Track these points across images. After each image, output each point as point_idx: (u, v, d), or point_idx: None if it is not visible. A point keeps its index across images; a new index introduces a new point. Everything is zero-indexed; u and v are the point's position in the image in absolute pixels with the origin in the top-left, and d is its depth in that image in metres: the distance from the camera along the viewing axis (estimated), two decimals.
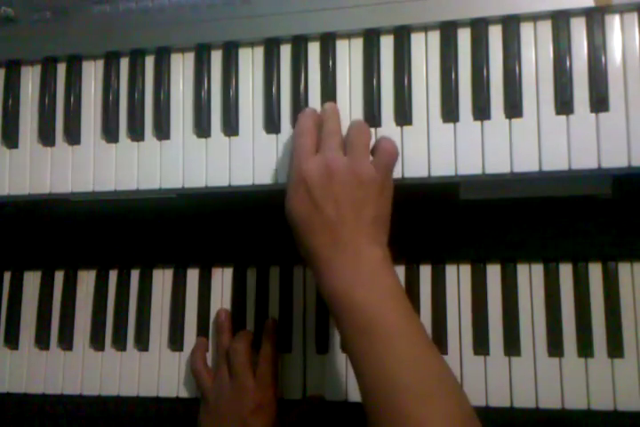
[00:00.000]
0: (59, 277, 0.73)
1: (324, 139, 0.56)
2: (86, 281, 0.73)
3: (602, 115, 0.55)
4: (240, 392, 0.62)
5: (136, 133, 0.64)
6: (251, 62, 0.63)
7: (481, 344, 0.63)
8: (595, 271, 0.63)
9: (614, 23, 0.56)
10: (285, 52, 0.62)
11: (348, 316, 0.50)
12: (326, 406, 0.64)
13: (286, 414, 0.64)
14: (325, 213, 0.52)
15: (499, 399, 0.62)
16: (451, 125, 0.58)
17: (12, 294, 0.74)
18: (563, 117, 0.56)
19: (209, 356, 0.68)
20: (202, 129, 0.63)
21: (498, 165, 0.56)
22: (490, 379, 0.62)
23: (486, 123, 0.57)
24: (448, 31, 0.58)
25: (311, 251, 0.53)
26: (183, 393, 0.68)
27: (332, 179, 0.53)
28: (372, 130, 0.59)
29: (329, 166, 0.53)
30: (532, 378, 0.62)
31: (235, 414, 0.61)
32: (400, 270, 0.66)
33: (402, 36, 0.59)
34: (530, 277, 0.64)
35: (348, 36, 0.61)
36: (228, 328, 0.67)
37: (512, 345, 0.62)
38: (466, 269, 0.65)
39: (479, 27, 0.58)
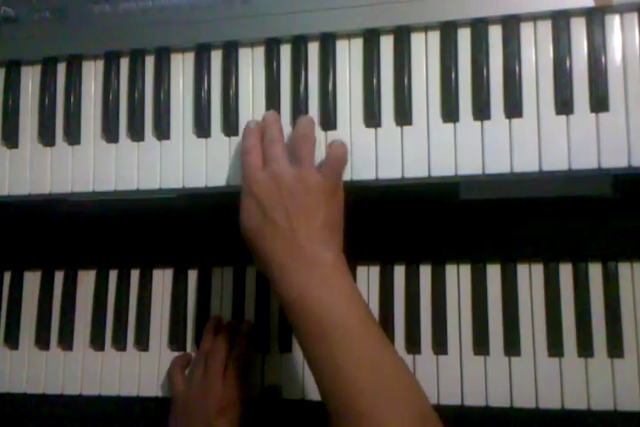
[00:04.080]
0: (59, 277, 0.73)
1: (266, 148, 0.57)
2: (86, 281, 0.72)
3: (602, 115, 0.55)
4: (207, 394, 0.62)
5: (136, 133, 0.64)
6: (251, 62, 0.63)
7: (481, 344, 0.63)
8: (595, 271, 0.63)
9: (614, 23, 0.56)
10: (285, 52, 0.62)
11: (303, 321, 0.52)
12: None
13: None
14: (276, 223, 0.54)
15: (499, 399, 0.62)
16: (451, 125, 0.58)
17: (11, 294, 0.74)
18: (563, 117, 0.56)
19: None
20: (202, 129, 0.63)
21: (498, 165, 0.56)
22: (490, 379, 0.62)
23: (486, 123, 0.57)
24: (448, 31, 0.58)
25: (266, 260, 0.54)
26: None
27: (280, 189, 0.54)
28: (372, 130, 0.59)
29: (276, 178, 0.55)
30: (532, 378, 0.62)
31: (201, 415, 0.61)
32: (400, 270, 0.66)
33: (402, 36, 0.59)
34: (530, 277, 0.64)
35: (348, 36, 0.61)
36: (212, 334, 0.67)
37: (512, 345, 0.62)
38: (466, 269, 0.65)
39: (479, 27, 0.58)
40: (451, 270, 0.65)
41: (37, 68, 0.67)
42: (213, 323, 0.68)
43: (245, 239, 0.56)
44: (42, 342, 0.72)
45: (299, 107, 0.60)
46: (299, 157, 0.56)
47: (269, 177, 0.55)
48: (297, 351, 0.66)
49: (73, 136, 0.65)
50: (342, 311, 0.51)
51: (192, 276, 0.71)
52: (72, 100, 0.66)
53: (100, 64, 0.66)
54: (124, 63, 0.65)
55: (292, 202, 0.54)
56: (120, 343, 0.70)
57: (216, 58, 0.63)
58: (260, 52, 0.62)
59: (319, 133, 0.60)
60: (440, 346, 0.64)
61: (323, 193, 0.55)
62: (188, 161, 0.62)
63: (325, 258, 0.53)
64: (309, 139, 0.57)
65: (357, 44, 0.60)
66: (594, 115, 0.55)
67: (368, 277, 0.66)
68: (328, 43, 0.61)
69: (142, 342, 0.70)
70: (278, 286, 0.53)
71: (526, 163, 0.56)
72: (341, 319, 0.51)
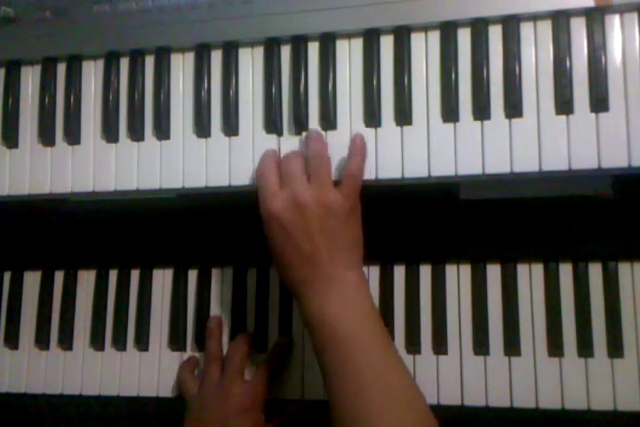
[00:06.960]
0: (59, 277, 0.73)
1: (284, 165, 0.57)
2: (86, 281, 0.72)
3: (602, 115, 0.55)
4: (227, 395, 0.62)
5: (136, 133, 0.64)
6: (251, 62, 0.63)
7: (481, 344, 0.63)
8: (595, 271, 0.63)
9: (614, 23, 0.56)
10: (285, 52, 0.62)
11: (320, 333, 0.54)
12: (319, 405, 0.64)
13: (280, 414, 0.64)
14: (300, 247, 0.55)
15: (499, 399, 0.62)
16: (451, 125, 0.58)
17: (11, 294, 0.74)
18: (563, 117, 0.56)
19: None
20: (202, 129, 0.63)
21: (498, 165, 0.56)
22: (490, 379, 0.62)
23: (486, 123, 0.57)
24: (448, 31, 0.58)
25: (292, 281, 0.57)
26: None
27: (302, 213, 0.55)
28: (372, 130, 0.59)
29: (297, 201, 0.55)
30: (532, 378, 0.61)
31: (219, 415, 0.61)
32: (400, 270, 0.66)
33: (402, 36, 0.59)
34: (530, 277, 0.64)
35: (348, 36, 0.61)
36: (217, 335, 0.67)
37: (512, 345, 0.62)
38: (466, 269, 0.65)
39: (479, 27, 0.58)
40: (451, 270, 0.65)
41: (37, 68, 0.67)
42: (216, 324, 0.67)
43: (273, 258, 0.58)
44: (42, 342, 0.72)
45: (299, 107, 0.60)
46: (317, 178, 0.56)
47: (289, 200, 0.55)
48: (297, 351, 0.66)
49: (73, 136, 0.65)
50: (352, 324, 0.54)
51: (192, 276, 0.71)
52: (72, 100, 0.66)
53: (100, 64, 0.66)
54: (124, 63, 0.65)
55: (314, 225, 0.55)
56: (120, 343, 0.70)
57: (216, 58, 0.63)
58: (259, 52, 0.62)
59: None
60: (440, 346, 0.63)
61: (343, 213, 0.55)
62: (187, 161, 0.62)
63: (346, 278, 0.55)
64: (324, 159, 0.57)
65: (357, 44, 0.60)
66: (594, 115, 0.55)
67: (368, 277, 0.66)
68: (328, 43, 0.61)
69: (142, 342, 0.70)
70: (302, 305, 0.56)
71: (526, 163, 0.56)
72: (356, 333, 0.53)
